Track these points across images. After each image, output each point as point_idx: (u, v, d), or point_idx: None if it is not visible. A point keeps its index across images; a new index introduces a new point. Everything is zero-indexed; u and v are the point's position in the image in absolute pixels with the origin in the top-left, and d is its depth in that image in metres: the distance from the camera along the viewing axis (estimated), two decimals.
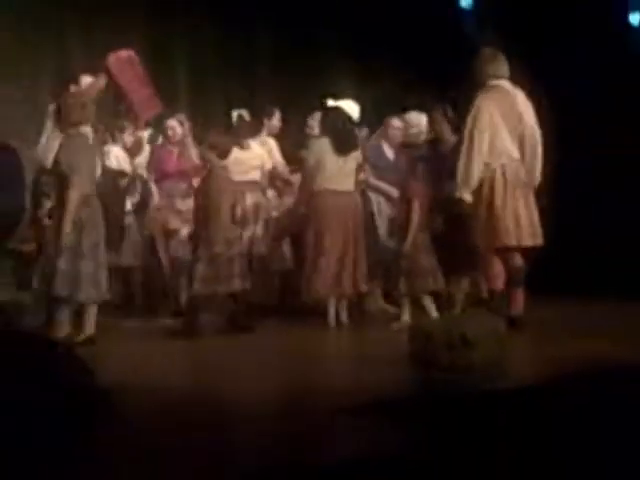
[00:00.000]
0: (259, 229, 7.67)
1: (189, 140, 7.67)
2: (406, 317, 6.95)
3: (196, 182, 7.32)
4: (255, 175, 7.70)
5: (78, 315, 6.24)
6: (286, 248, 7.91)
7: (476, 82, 6.48)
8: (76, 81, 7.02)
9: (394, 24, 9.23)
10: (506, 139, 6.38)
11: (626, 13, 9.13)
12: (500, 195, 6.35)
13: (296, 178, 7.83)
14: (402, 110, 7.96)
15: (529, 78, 6.73)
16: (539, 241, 6.46)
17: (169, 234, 7.62)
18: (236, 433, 3.76)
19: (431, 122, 7.47)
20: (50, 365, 3.66)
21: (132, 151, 7.85)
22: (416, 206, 6.97)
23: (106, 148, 7.73)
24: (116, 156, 7.83)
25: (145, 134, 7.91)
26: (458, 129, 6.89)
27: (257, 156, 7.71)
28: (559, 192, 6.84)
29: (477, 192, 6.39)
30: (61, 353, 3.89)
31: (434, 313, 6.95)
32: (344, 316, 7.09)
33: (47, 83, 8.02)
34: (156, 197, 7.74)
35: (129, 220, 7.71)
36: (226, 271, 6.59)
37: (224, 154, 6.79)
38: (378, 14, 9.13)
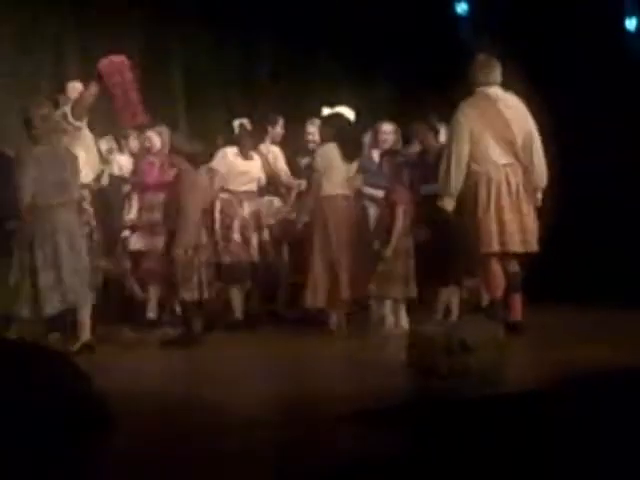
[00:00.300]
0: (265, 235, 7.65)
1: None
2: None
3: None
4: (253, 186, 7.68)
5: (73, 325, 6.22)
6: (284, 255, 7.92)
7: (468, 88, 6.54)
8: (64, 90, 7.03)
9: (391, 32, 9.24)
10: (490, 146, 6.43)
11: (622, 18, 9.13)
12: (483, 201, 6.41)
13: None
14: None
15: (526, 83, 6.76)
16: (532, 248, 6.47)
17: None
18: (235, 440, 3.76)
19: (416, 133, 7.57)
20: (50, 374, 3.66)
21: (138, 156, 7.83)
22: (400, 212, 6.98)
23: (112, 156, 7.80)
24: (119, 164, 7.86)
25: None
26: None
27: (258, 167, 7.69)
28: (558, 198, 6.83)
29: (462, 200, 6.48)
30: (61, 362, 3.89)
31: (405, 320, 6.98)
32: (344, 322, 7.09)
33: (46, 92, 8.01)
34: (133, 210, 7.69)
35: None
36: (188, 277, 6.56)
37: (192, 159, 6.75)
38: (375, 23, 9.14)
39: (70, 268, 6.13)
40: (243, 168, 7.53)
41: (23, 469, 3.15)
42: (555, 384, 4.56)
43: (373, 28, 9.18)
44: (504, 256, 6.46)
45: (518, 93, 6.61)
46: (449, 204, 6.54)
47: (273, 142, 8.03)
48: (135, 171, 7.81)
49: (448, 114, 6.83)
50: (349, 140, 7.15)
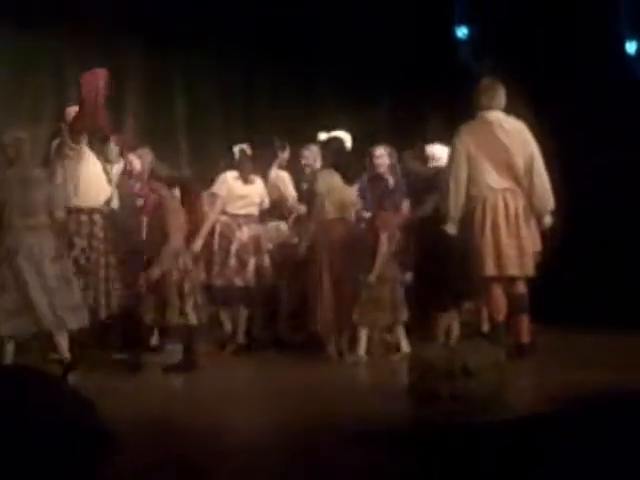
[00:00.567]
0: (266, 260, 7.65)
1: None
2: (362, 351, 6.88)
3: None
4: (254, 209, 7.69)
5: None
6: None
7: (471, 111, 6.57)
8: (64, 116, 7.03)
9: (390, 56, 9.28)
10: (487, 171, 6.47)
11: (622, 42, 9.16)
12: (479, 225, 6.44)
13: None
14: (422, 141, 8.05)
15: (526, 107, 6.78)
16: (528, 272, 6.47)
17: None
18: (234, 464, 3.74)
19: (402, 161, 7.69)
20: (49, 399, 3.65)
21: (120, 180, 7.72)
22: (383, 238, 6.95)
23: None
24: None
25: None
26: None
27: (259, 191, 7.71)
28: (561, 220, 6.82)
29: (460, 224, 6.54)
30: (60, 387, 3.87)
31: (405, 344, 6.93)
32: (346, 347, 7.07)
33: (47, 122, 8.05)
34: None
35: None
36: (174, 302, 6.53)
37: (172, 183, 6.74)
38: (373, 47, 9.18)
39: (37, 293, 6.11)
40: (242, 192, 7.55)
41: None
42: (558, 407, 4.54)
43: (372, 52, 9.21)
44: (505, 279, 6.46)
45: (519, 116, 6.63)
46: (451, 228, 6.58)
47: (280, 167, 8.06)
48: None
49: (448, 137, 6.87)
50: (347, 164, 7.17)
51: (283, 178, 7.97)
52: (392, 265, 7.00)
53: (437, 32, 9.54)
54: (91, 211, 6.71)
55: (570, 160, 7.87)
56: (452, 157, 6.59)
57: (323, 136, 7.67)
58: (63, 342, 6.16)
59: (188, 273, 6.60)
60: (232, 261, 7.46)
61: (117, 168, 7.61)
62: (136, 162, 7.60)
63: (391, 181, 7.70)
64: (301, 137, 8.22)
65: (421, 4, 9.29)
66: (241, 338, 7.54)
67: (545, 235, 6.65)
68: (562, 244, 7.06)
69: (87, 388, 4.42)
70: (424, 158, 7.58)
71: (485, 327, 7.10)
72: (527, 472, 3.30)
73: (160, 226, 6.59)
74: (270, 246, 7.76)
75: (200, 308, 6.65)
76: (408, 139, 8.36)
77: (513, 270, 6.42)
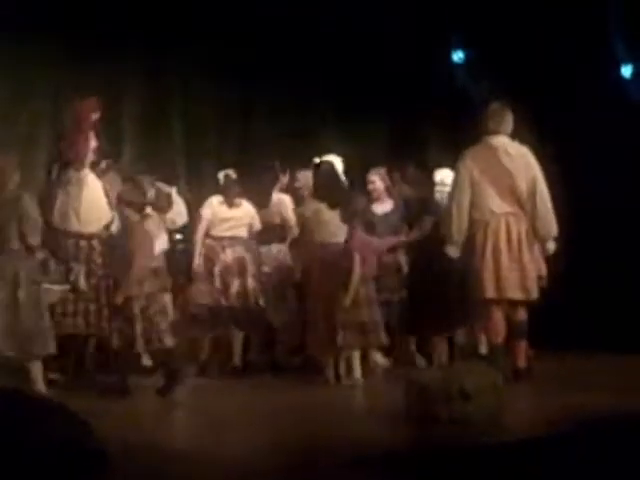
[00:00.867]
0: (250, 282, 7.64)
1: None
2: (357, 374, 6.83)
3: None
4: (241, 232, 7.73)
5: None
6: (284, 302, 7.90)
7: (478, 137, 6.59)
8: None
9: (385, 81, 9.31)
10: (490, 196, 6.49)
11: (618, 66, 9.20)
12: (480, 248, 6.44)
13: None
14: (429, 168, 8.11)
15: (525, 131, 6.80)
16: (531, 295, 6.45)
17: None
18: None
19: (392, 183, 7.81)
20: (46, 421, 3.63)
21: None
22: (357, 259, 6.92)
23: None
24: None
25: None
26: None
27: (247, 214, 7.75)
28: (561, 244, 6.81)
29: (462, 247, 6.56)
30: (56, 410, 3.85)
31: (381, 360, 6.96)
32: (343, 370, 7.04)
33: (44, 146, 8.06)
34: None
35: None
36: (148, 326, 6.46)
37: (140, 208, 6.70)
38: (369, 72, 9.21)
39: (7, 318, 6.12)
40: (227, 215, 7.68)
41: None
42: (557, 430, 4.52)
43: (369, 76, 9.24)
44: (506, 303, 6.45)
45: (522, 140, 6.65)
46: (453, 252, 6.60)
47: (280, 190, 8.10)
48: None
49: (450, 160, 6.90)
50: (336, 188, 7.18)
51: (284, 201, 8.01)
52: (367, 287, 6.95)
53: (435, 56, 9.58)
54: (90, 237, 6.73)
55: (570, 184, 7.87)
56: (456, 181, 6.63)
57: (316, 161, 7.71)
58: (37, 370, 6.15)
59: (155, 298, 6.51)
60: (217, 282, 7.53)
61: None
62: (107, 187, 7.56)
63: (388, 205, 7.73)
64: (299, 159, 8.24)
65: (420, 30, 9.32)
66: (237, 361, 7.53)
67: (547, 260, 6.66)
68: (561, 268, 7.03)
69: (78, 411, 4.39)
70: (415, 181, 7.60)
71: (483, 349, 7.09)
72: None
73: (124, 252, 6.55)
74: (266, 269, 7.77)
75: (178, 330, 6.61)
76: (403, 162, 8.38)
77: (513, 293, 6.41)
